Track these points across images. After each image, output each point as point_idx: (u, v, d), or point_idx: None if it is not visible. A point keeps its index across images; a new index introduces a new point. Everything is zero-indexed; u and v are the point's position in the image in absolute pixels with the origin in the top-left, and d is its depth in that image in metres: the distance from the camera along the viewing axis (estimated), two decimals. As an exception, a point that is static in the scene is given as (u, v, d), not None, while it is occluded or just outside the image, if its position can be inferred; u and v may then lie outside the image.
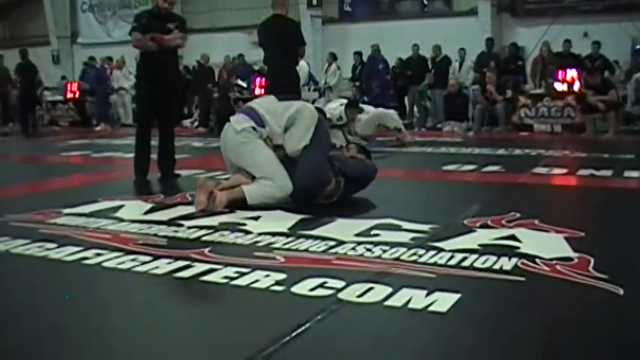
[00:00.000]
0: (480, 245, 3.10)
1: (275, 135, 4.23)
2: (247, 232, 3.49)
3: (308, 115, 4.28)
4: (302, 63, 10.06)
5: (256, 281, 2.61)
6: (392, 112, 9.38)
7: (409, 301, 2.34)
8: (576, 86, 10.42)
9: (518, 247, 3.07)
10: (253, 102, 4.51)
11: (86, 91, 14.41)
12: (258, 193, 4.12)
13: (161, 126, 5.89)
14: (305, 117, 4.26)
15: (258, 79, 12.13)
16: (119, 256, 3.03)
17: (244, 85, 13.23)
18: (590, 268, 2.72)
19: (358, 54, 13.51)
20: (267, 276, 2.66)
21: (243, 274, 2.70)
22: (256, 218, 3.83)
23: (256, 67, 13.67)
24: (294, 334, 2.07)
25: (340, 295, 2.42)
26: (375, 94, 12.16)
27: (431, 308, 2.28)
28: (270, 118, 4.24)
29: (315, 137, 4.22)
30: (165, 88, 5.71)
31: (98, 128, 12.92)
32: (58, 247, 3.21)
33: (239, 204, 4.09)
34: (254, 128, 4.18)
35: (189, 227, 3.64)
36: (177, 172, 5.88)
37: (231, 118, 4.35)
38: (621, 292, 2.43)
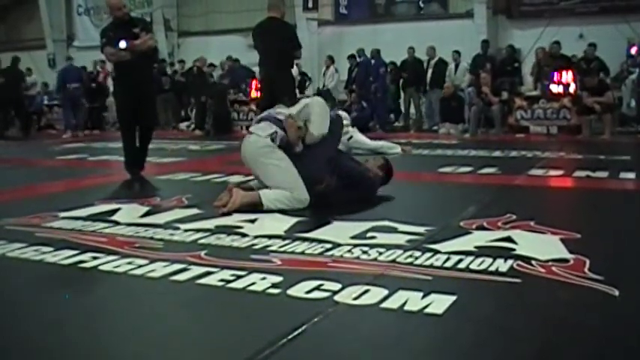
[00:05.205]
0: (476, 247, 3.10)
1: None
2: (244, 235, 3.49)
3: (317, 105, 4.39)
4: None
5: (253, 284, 2.61)
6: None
7: (405, 303, 2.35)
8: (572, 88, 10.45)
9: (514, 249, 3.08)
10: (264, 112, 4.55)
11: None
12: (274, 197, 4.12)
13: (140, 128, 6.13)
14: (315, 106, 4.35)
15: (253, 82, 12.12)
16: (115, 260, 3.03)
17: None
18: (586, 270, 2.72)
19: (354, 57, 13.50)
20: (264, 279, 2.67)
21: (239, 277, 2.70)
22: (252, 221, 3.83)
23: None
24: (290, 336, 2.07)
25: (336, 298, 2.42)
26: (375, 97, 12.16)
27: (427, 310, 2.28)
28: (282, 111, 4.36)
29: (331, 129, 4.33)
30: (140, 92, 5.94)
31: (65, 136, 12.46)
32: (54, 251, 3.21)
33: (254, 208, 4.08)
34: (272, 139, 4.18)
35: (186, 230, 3.64)
36: (171, 174, 6.11)
37: (251, 128, 4.40)
38: (617, 293, 2.44)
